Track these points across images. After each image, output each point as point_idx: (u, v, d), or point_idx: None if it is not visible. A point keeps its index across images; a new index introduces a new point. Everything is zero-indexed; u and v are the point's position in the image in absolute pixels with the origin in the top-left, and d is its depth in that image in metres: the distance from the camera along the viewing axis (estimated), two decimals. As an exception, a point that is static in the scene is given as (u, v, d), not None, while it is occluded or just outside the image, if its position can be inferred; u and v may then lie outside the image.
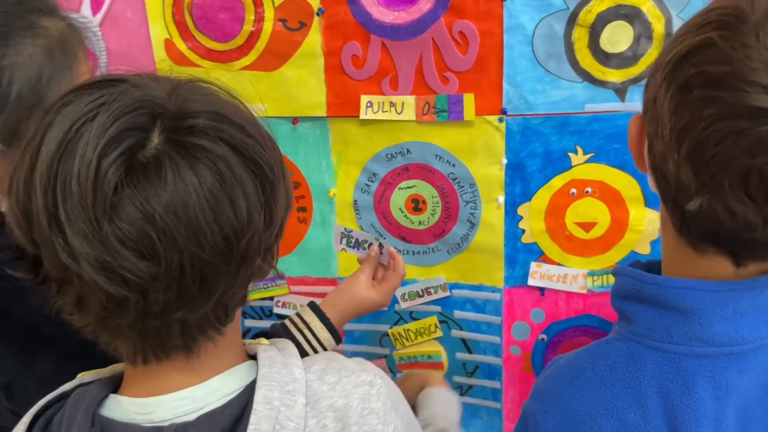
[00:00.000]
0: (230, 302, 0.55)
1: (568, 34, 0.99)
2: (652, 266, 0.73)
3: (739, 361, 0.58)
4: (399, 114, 1.07)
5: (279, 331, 0.94)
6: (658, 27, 0.96)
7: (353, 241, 1.08)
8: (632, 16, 0.96)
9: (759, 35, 0.50)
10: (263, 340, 0.64)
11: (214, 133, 0.50)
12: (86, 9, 1.09)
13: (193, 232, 0.48)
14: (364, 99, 1.07)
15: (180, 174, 0.48)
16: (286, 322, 0.96)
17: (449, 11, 1.00)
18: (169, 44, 1.09)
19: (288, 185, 0.57)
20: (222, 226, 0.49)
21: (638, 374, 0.59)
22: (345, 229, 1.10)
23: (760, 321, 0.58)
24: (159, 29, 1.08)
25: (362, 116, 1.07)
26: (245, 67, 1.08)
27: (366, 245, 1.08)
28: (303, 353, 0.93)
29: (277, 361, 0.58)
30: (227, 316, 0.56)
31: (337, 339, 0.97)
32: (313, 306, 0.98)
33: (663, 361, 0.59)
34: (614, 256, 1.08)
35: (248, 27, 1.06)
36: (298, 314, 0.97)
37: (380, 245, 1.06)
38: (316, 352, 0.94)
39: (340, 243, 1.10)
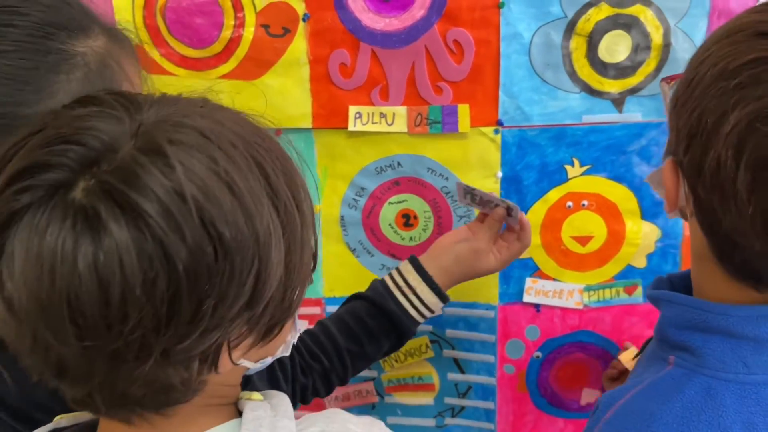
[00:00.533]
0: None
1: (565, 44, 0.96)
2: (676, 283, 0.71)
3: None
4: (389, 125, 1.02)
5: (378, 290, 0.90)
6: (657, 37, 0.94)
7: (477, 198, 0.96)
8: (630, 25, 0.94)
9: None
10: (255, 395, 0.56)
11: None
12: (46, 11, 0.99)
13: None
14: (353, 110, 1.01)
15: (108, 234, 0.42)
16: (387, 280, 0.92)
17: (443, 18, 0.96)
18: (140, 51, 1.00)
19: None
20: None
21: (720, 411, 0.55)
22: (467, 186, 0.96)
23: None
24: (130, 36, 0.99)
25: (350, 128, 1.01)
26: (224, 76, 1.01)
27: (492, 205, 0.95)
28: (409, 317, 0.90)
29: (264, 424, 0.51)
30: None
31: (445, 301, 0.92)
32: (417, 266, 0.92)
33: (742, 393, 0.56)
34: (610, 270, 1.06)
35: (227, 33, 0.98)
36: (401, 273, 0.92)
37: (508, 208, 0.94)
38: (422, 316, 0.91)
39: (465, 198, 0.98)
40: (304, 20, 0.97)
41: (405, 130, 1.01)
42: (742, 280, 0.57)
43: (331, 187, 1.06)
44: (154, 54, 1.01)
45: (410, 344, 1.12)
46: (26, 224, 0.42)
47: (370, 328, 0.90)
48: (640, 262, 1.06)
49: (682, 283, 0.70)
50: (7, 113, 0.59)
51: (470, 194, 0.97)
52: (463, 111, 0.99)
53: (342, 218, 1.07)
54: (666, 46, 0.94)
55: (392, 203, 1.06)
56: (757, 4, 0.58)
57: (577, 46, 0.96)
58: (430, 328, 1.11)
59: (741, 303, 0.57)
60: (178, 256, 0.42)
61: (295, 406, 0.69)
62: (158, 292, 0.42)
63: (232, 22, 0.98)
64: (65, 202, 0.42)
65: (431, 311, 0.92)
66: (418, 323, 0.92)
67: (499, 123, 0.99)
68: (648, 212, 1.03)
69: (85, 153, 0.43)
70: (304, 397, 0.91)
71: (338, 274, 1.09)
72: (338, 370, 0.91)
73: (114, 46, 0.68)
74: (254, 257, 0.45)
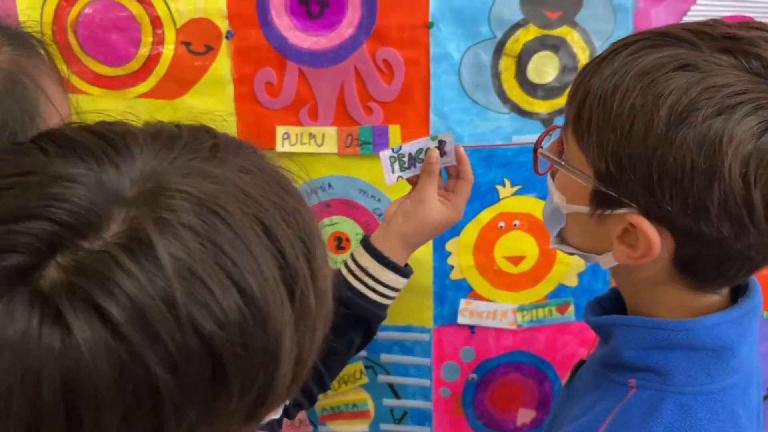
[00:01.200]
0: None
1: (495, 64, 0.96)
2: (607, 306, 0.71)
3: (751, 379, 0.61)
4: (319, 146, 0.99)
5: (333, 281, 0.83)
6: (583, 58, 0.95)
7: (405, 159, 0.85)
8: (558, 46, 0.95)
9: None
10: None
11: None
12: (-58, 24, 0.91)
13: None
14: (280, 130, 0.98)
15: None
16: (342, 268, 0.85)
17: (372, 38, 0.94)
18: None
19: None
20: None
21: (697, 425, 0.56)
22: (392, 150, 0.85)
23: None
24: (38, 39, 0.93)
25: (278, 149, 0.98)
26: (142, 95, 0.95)
27: (422, 155, 0.86)
28: (369, 301, 0.83)
29: None
30: None
31: (405, 273, 0.85)
32: (366, 245, 0.85)
33: (709, 403, 0.57)
34: (543, 289, 1.06)
35: (145, 50, 0.93)
36: (353, 257, 0.85)
37: (440, 142, 0.85)
38: (385, 297, 0.84)
39: (393, 172, 0.86)
40: (227, 37, 0.93)
41: (335, 151, 0.98)
42: (707, 288, 0.60)
43: (258, 210, 1.02)
44: (65, 71, 0.94)
45: (344, 371, 1.08)
46: None
47: (333, 323, 0.85)
48: (572, 281, 1.06)
49: (612, 305, 0.71)
50: None
51: (398, 161, 0.86)
52: (394, 131, 0.97)
53: (271, 242, 1.03)
54: (592, 68, 0.95)
55: (324, 225, 1.03)
56: (629, 37, 0.58)
57: (507, 66, 0.96)
58: (364, 353, 1.08)
59: (697, 316, 0.59)
60: (153, 369, 0.34)
61: (280, 424, 0.63)
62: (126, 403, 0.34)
63: (151, 39, 0.93)
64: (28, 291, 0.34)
65: (393, 289, 0.85)
66: (383, 305, 0.86)
67: (431, 144, 0.98)
68: (578, 231, 1.04)
69: (51, 231, 0.35)
70: (287, 414, 0.85)
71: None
72: (313, 377, 0.84)
73: (23, 57, 0.57)
74: (260, 369, 0.37)
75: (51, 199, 0.35)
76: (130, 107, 0.96)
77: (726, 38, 0.54)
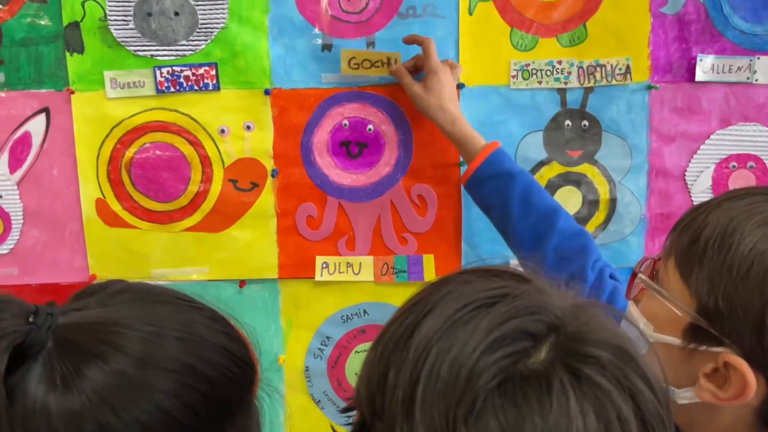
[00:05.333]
0: None
1: (522, 198, 1.02)
2: None
3: None
4: (356, 275, 1.03)
5: None
6: (603, 192, 1.03)
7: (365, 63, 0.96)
8: (580, 182, 1.02)
9: None
10: None
11: (614, 373, 0.41)
12: (3, 166, 0.97)
13: None
14: (320, 260, 1.02)
15: (567, 404, 0.39)
16: None
17: (408, 175, 1.00)
18: (101, 204, 0.99)
19: None
20: None
21: None
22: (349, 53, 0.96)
23: None
24: (91, 189, 0.98)
25: (317, 278, 1.02)
26: (188, 228, 1.00)
27: (382, 64, 0.96)
28: None
29: None
30: None
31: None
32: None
33: None
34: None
35: (194, 187, 0.99)
36: None
37: (387, 61, 0.95)
38: None
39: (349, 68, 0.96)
40: (272, 175, 0.99)
41: (371, 279, 1.03)
42: None
43: (295, 337, 1.05)
44: (116, 207, 0.99)
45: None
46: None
47: None
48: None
49: None
50: None
51: (357, 64, 0.96)
52: (428, 261, 1.02)
53: (307, 369, 1.05)
54: (612, 200, 1.03)
55: (359, 352, 1.05)
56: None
57: (533, 200, 1.02)
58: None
59: None
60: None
61: None
62: None
63: (200, 177, 0.99)
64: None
65: None
66: None
67: (463, 272, 1.03)
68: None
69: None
70: None
71: (301, 427, 1.05)
72: None
73: None
74: None
75: (540, 306, 0.43)
76: (174, 240, 1.00)
77: None
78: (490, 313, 0.42)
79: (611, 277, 0.87)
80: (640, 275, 0.65)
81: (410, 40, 0.95)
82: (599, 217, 1.03)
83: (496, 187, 0.90)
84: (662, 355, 0.62)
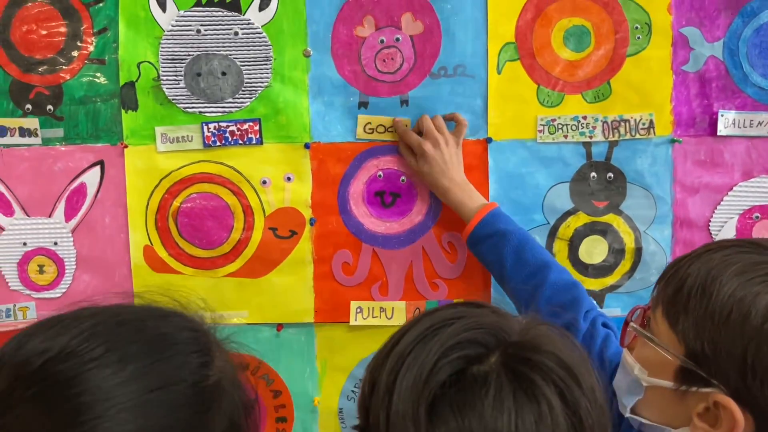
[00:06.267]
0: None
1: (549, 246, 1.06)
2: None
3: None
4: (389, 319, 1.07)
5: None
6: (629, 241, 1.06)
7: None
8: (605, 231, 1.06)
9: None
10: None
11: (549, 374, 0.51)
12: (59, 215, 1.03)
13: None
14: (354, 305, 1.06)
15: (500, 398, 0.49)
16: None
17: (439, 223, 1.05)
18: (148, 251, 1.05)
19: None
20: None
21: None
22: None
23: None
24: (139, 236, 1.04)
25: (352, 322, 1.06)
26: (230, 274, 1.05)
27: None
28: None
29: None
30: None
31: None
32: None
33: None
34: None
35: (236, 235, 1.04)
36: None
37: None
38: None
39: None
40: (311, 224, 1.04)
41: (404, 323, 1.06)
42: None
43: (330, 379, 1.09)
44: (163, 254, 1.05)
45: None
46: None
47: None
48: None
49: None
50: None
51: (372, 129, 1.04)
52: (459, 306, 1.06)
53: (340, 411, 1.09)
54: (638, 249, 1.06)
55: (391, 394, 1.09)
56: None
57: (560, 248, 1.06)
58: None
59: None
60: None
61: None
62: None
63: (242, 226, 1.04)
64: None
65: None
66: None
67: (493, 317, 1.06)
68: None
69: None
70: None
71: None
72: None
73: None
74: None
75: (492, 324, 0.54)
76: (216, 285, 1.05)
77: None
78: (448, 330, 0.53)
79: (604, 325, 0.92)
80: (632, 324, 0.71)
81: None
82: (625, 265, 1.06)
83: (491, 246, 0.98)
84: (658, 397, 0.69)
